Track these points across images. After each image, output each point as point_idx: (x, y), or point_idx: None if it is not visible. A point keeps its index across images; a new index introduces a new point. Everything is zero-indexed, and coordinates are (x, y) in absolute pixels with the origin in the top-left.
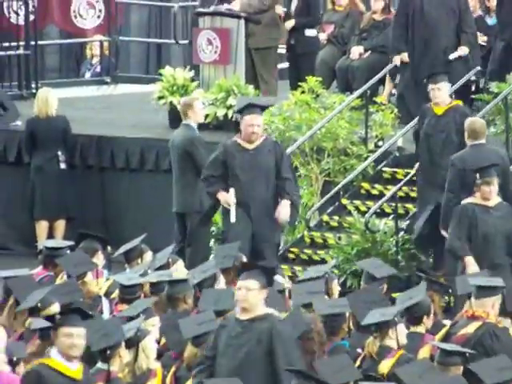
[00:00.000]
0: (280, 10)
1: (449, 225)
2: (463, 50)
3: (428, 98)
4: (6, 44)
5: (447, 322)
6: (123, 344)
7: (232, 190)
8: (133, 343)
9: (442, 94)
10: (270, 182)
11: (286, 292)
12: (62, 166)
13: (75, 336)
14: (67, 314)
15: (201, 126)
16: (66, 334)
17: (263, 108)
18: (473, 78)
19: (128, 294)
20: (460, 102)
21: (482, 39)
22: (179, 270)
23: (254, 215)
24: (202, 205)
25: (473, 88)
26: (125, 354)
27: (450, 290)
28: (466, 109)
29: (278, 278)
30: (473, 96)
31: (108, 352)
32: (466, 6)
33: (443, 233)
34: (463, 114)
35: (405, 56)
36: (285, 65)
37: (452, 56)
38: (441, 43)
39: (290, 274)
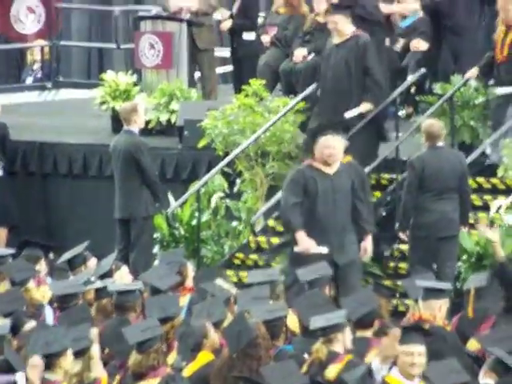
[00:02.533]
0: (223, 13)
1: (407, 227)
2: (365, 107)
3: None
4: None
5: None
6: (68, 353)
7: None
8: (83, 352)
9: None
10: (349, 207)
11: (231, 298)
12: (0, 172)
13: (416, 354)
14: (408, 331)
15: (143, 131)
16: (406, 352)
17: (336, 129)
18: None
19: (63, 302)
20: (350, 158)
21: (398, 44)
22: (123, 277)
23: (335, 242)
24: (147, 210)
25: (412, 90)
26: (67, 363)
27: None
28: (358, 167)
29: (220, 282)
30: (417, 98)
31: (49, 360)
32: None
33: (401, 235)
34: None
35: None
36: (229, 68)
37: (349, 114)
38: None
39: (236, 280)
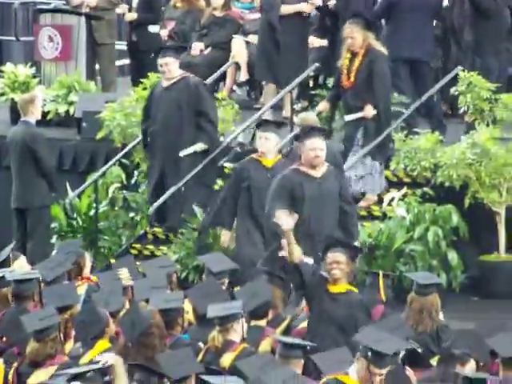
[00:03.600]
0: (123, 7)
1: None
2: (200, 147)
3: None
4: None
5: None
6: None
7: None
8: None
9: (268, 144)
10: (336, 210)
11: (128, 288)
12: None
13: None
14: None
15: (42, 123)
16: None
17: (322, 131)
18: (311, 73)
19: None
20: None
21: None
22: (22, 266)
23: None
24: (43, 201)
25: (311, 84)
26: None
27: None
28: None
29: (121, 271)
30: (312, 92)
31: None
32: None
33: None
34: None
35: None
36: (126, 61)
37: (184, 153)
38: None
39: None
